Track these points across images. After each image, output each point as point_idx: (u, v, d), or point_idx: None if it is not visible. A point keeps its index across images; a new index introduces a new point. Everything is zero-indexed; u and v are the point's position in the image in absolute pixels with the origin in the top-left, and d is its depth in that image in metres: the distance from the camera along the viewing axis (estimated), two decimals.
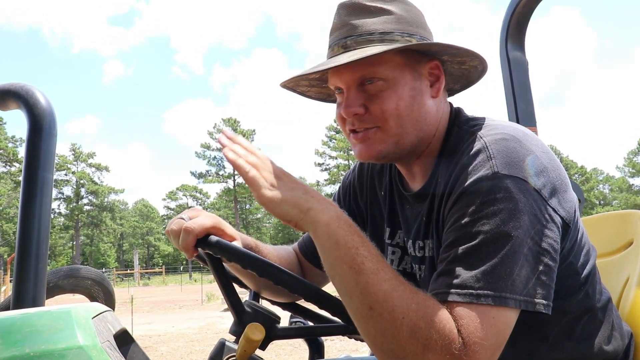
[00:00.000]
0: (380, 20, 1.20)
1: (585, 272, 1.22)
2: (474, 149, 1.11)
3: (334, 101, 1.43)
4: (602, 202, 71.89)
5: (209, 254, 1.17)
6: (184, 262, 75.50)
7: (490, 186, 1.04)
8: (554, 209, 1.07)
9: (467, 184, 1.07)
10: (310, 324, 1.58)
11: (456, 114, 1.29)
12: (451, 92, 1.40)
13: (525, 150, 1.08)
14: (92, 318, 1.07)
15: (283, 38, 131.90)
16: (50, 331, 0.98)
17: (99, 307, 1.22)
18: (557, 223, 1.07)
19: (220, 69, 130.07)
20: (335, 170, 69.39)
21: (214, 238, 1.14)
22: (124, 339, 1.25)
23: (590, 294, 1.23)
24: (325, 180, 71.42)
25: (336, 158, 69.49)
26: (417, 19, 1.24)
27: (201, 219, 1.18)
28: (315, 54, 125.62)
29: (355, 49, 1.18)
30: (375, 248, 1.03)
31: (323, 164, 70.77)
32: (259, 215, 76.58)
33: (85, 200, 68.29)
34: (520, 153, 1.07)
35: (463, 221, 1.04)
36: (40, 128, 1.91)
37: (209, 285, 32.28)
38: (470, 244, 1.02)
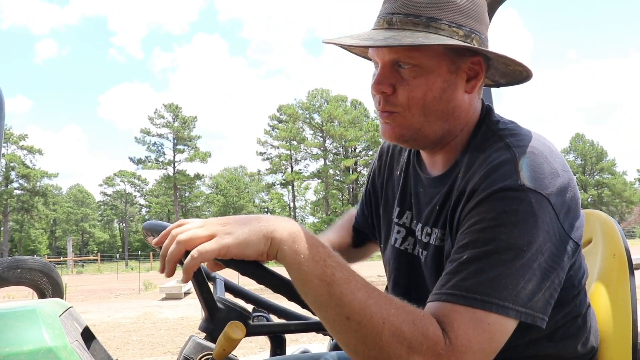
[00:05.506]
0: (432, 3, 1.16)
1: (580, 284, 1.24)
2: (503, 157, 1.11)
3: None
4: None
5: None
6: (120, 250, 73.77)
7: (515, 197, 1.03)
8: (566, 230, 1.08)
9: (492, 189, 1.06)
10: (274, 318, 1.57)
11: (486, 112, 1.28)
12: (497, 84, 1.38)
13: (550, 168, 1.09)
14: (59, 316, 0.99)
15: (225, 24, 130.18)
16: (15, 331, 0.89)
17: (64, 303, 1.14)
18: (568, 243, 1.08)
19: (160, 54, 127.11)
20: (277, 159, 69.23)
21: None
22: (86, 337, 1.19)
23: (578, 304, 1.25)
24: (266, 169, 71.18)
25: (278, 147, 69.40)
26: (474, 8, 1.19)
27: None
28: (257, 42, 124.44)
29: (397, 29, 1.15)
30: (340, 257, 1.00)
31: (265, 153, 70.47)
32: (198, 204, 75.52)
33: (15, 185, 65.43)
34: (546, 170, 1.08)
35: (481, 225, 1.04)
36: None
37: (146, 273, 31.61)
38: (484, 249, 1.01)
